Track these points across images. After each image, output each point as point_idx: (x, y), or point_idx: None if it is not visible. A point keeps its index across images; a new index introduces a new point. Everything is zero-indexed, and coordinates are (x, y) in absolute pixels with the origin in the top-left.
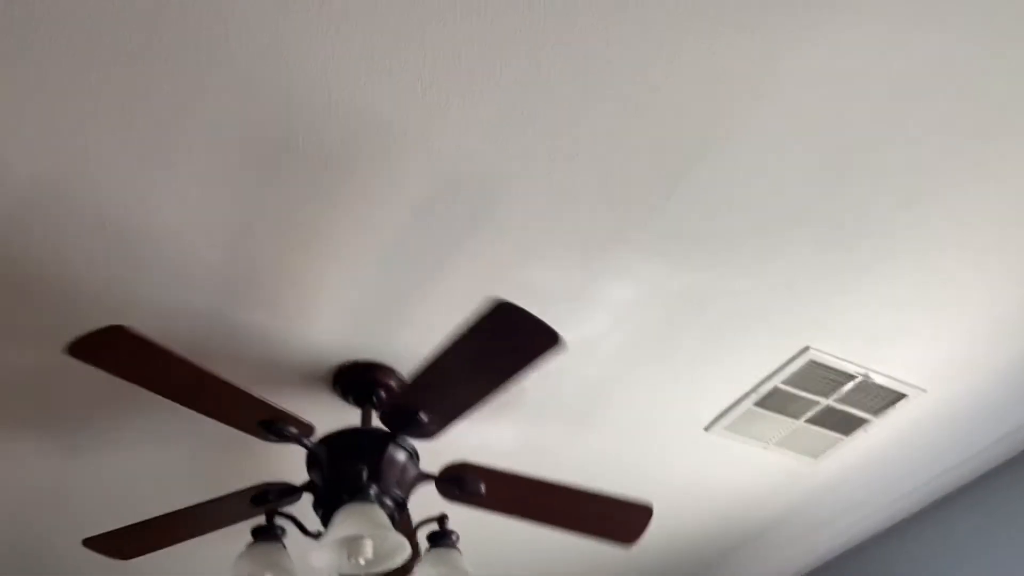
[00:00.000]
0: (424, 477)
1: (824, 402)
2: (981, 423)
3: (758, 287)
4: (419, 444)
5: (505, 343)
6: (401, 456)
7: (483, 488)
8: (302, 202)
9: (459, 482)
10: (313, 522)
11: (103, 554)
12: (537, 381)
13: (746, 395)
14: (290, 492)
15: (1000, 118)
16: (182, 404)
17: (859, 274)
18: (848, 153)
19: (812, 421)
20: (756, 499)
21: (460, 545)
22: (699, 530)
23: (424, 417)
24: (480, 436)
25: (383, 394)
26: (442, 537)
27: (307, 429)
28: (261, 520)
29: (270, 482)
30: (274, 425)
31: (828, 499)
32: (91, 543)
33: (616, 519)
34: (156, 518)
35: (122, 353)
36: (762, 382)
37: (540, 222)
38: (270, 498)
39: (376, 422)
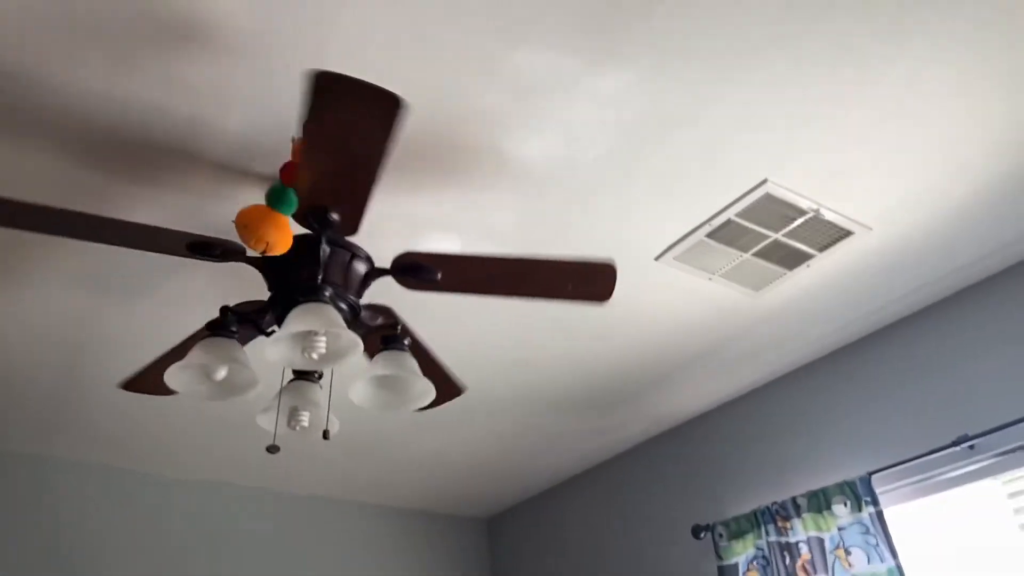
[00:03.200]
0: (378, 272)
1: (773, 236)
2: (918, 263)
3: (723, 116)
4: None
5: (349, 116)
6: (345, 256)
7: (439, 273)
8: None
9: (414, 271)
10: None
11: (142, 392)
12: (489, 201)
13: (700, 226)
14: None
15: None
16: (113, 245)
17: (823, 109)
18: None
19: (759, 255)
20: (695, 328)
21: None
22: (637, 356)
23: (335, 214)
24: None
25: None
26: (393, 340)
27: (234, 246)
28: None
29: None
30: (201, 247)
31: (763, 330)
32: (128, 385)
33: (583, 280)
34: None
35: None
36: (717, 213)
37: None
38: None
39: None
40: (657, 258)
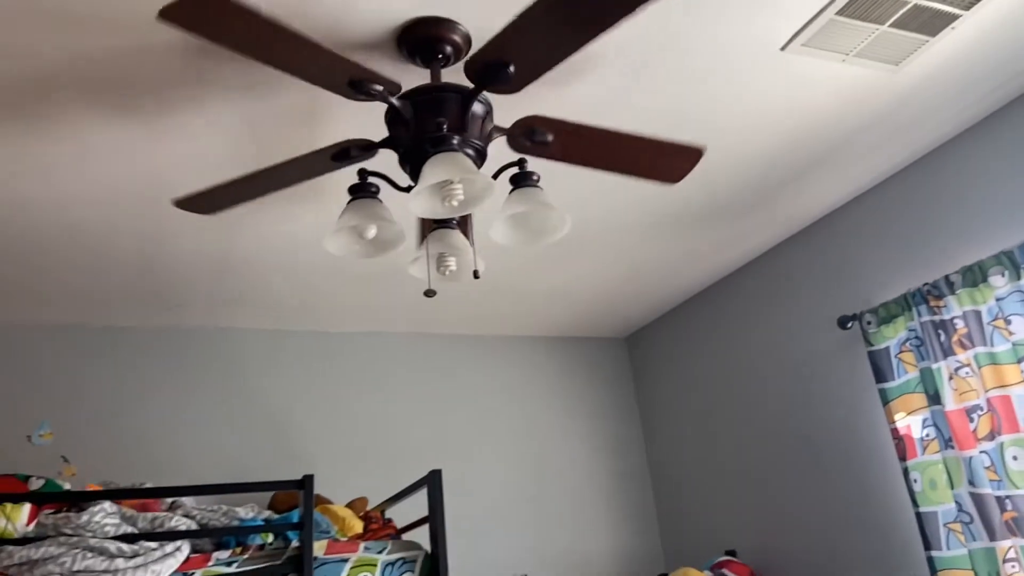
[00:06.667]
0: (499, 130)
1: (912, 0)
2: None
3: None
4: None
5: None
6: (479, 109)
7: (550, 138)
8: None
9: (529, 134)
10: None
11: (193, 211)
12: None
13: (828, 4)
14: (370, 147)
15: None
16: (272, 66)
17: None
18: None
19: (896, 24)
20: (828, 118)
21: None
22: (767, 158)
23: (512, 69)
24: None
25: (450, 50)
26: (524, 178)
27: (394, 86)
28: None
29: (352, 139)
30: (362, 84)
31: (904, 109)
32: (182, 203)
33: (668, 156)
34: (241, 176)
35: (212, 16)
36: None
37: None
38: (352, 154)
39: (451, 79)
40: (783, 48)
